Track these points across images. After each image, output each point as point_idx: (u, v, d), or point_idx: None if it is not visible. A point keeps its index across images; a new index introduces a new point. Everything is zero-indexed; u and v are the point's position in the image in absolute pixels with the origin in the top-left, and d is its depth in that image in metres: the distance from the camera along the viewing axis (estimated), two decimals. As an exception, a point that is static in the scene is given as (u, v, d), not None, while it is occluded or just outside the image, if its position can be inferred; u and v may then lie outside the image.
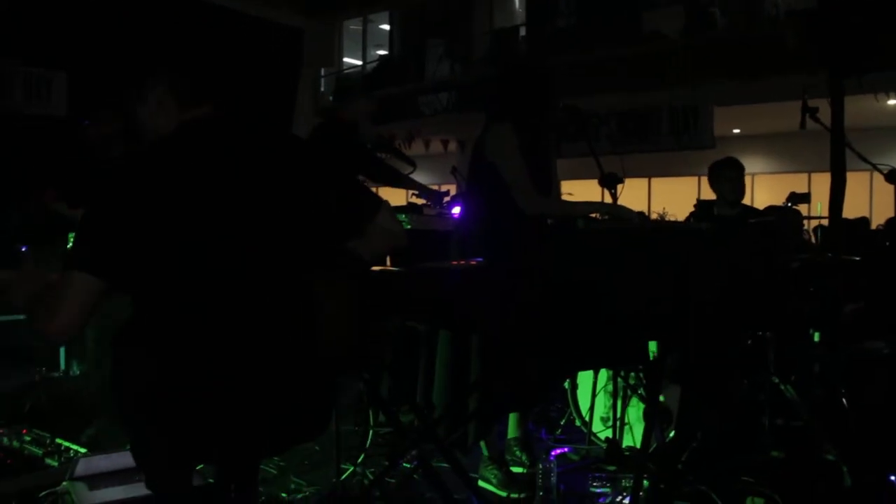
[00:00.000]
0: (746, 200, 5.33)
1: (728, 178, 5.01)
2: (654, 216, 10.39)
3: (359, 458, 3.57)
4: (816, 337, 3.93)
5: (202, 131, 2.10)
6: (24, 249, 5.39)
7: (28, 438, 3.60)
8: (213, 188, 2.00)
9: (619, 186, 3.79)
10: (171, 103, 2.14)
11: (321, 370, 2.10)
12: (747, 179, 5.28)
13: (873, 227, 9.11)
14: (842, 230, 5.20)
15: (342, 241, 2.19)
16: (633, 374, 3.83)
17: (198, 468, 2.62)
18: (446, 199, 5.64)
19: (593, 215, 3.48)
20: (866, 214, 10.81)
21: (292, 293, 2.05)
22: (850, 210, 5.79)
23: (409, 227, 4.48)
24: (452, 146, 16.01)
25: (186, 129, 2.10)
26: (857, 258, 4.04)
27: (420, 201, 5.48)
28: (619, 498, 3.28)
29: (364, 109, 4.42)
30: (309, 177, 2.15)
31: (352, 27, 19.91)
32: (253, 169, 2.06)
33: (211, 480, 2.62)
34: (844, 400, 3.70)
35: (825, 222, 5.43)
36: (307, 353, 2.04)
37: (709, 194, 5.18)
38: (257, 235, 2.02)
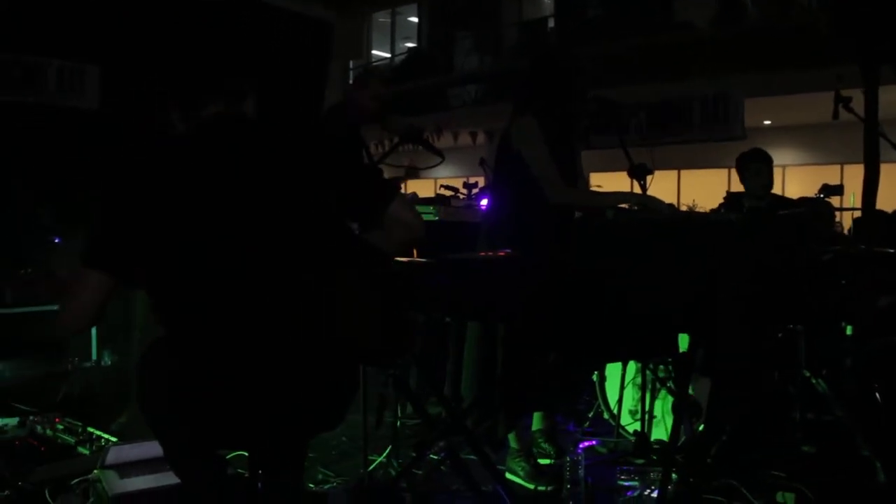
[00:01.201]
0: (777, 192, 5.27)
1: (754, 170, 4.93)
2: (683, 208, 10.30)
3: (386, 449, 3.58)
4: (848, 330, 3.87)
5: (210, 130, 2.12)
6: (57, 241, 5.46)
7: (61, 427, 3.66)
8: (219, 185, 2.03)
9: (649, 178, 3.76)
10: (183, 105, 2.19)
11: (339, 361, 2.11)
12: (778, 171, 5.21)
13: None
14: (877, 222, 5.13)
15: (360, 229, 2.20)
16: (661, 366, 3.81)
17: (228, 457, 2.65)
18: (475, 190, 5.65)
19: (623, 206, 3.45)
20: (901, 206, 10.63)
21: (306, 285, 2.06)
22: (884, 202, 5.70)
23: (436, 218, 4.49)
24: (481, 138, 15.97)
25: (197, 128, 2.14)
26: (892, 250, 3.98)
27: (448, 193, 5.49)
28: (648, 491, 3.25)
29: (375, 93, 4.26)
30: (316, 170, 2.15)
31: (380, 19, 19.94)
32: (258, 166, 2.08)
33: (240, 471, 2.64)
34: (878, 394, 3.65)
35: (859, 214, 5.35)
36: (322, 344, 2.06)
37: (739, 186, 5.12)
38: (266, 229, 2.04)
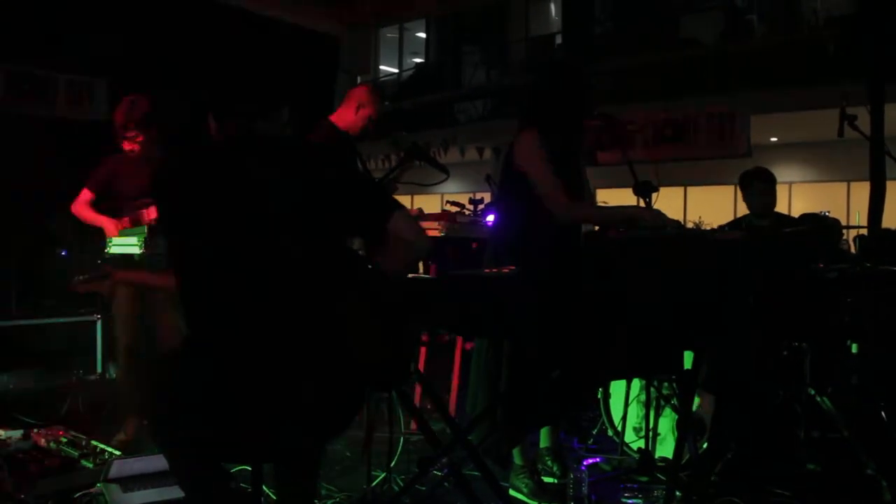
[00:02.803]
0: (783, 210, 5.26)
1: (756, 189, 4.93)
2: (689, 225, 10.29)
3: (389, 464, 3.57)
4: (854, 348, 3.86)
5: (222, 149, 2.16)
6: (63, 253, 5.48)
7: (64, 440, 3.66)
8: (228, 204, 2.06)
9: (654, 195, 3.76)
10: (196, 124, 2.23)
11: (341, 378, 2.12)
12: (784, 188, 5.22)
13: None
14: (882, 240, 5.11)
15: (366, 246, 2.22)
16: (666, 383, 3.79)
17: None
18: (481, 206, 5.64)
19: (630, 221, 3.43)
20: (908, 224, 10.59)
21: (310, 304, 2.08)
22: (891, 220, 5.70)
23: (442, 234, 4.49)
24: (487, 154, 15.99)
25: (209, 146, 2.18)
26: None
27: (454, 209, 5.49)
28: (651, 509, 3.25)
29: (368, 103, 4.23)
30: (320, 189, 2.17)
31: (388, 35, 20.01)
32: (265, 187, 2.10)
33: (243, 485, 2.65)
34: (883, 412, 3.64)
35: (865, 232, 5.34)
36: (325, 361, 2.07)
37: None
38: (272, 247, 2.06)
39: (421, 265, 4.84)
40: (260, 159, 2.15)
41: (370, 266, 2.23)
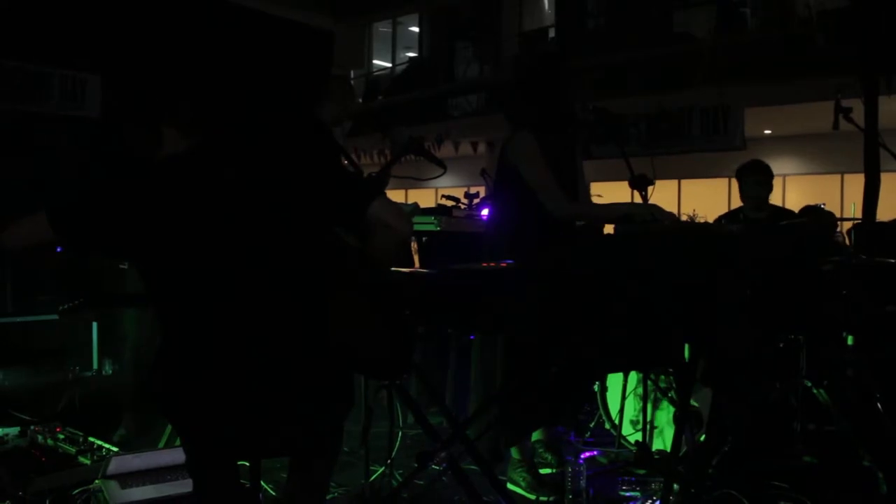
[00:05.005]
0: (777, 202, 5.28)
1: (752, 182, 4.96)
2: (684, 218, 10.29)
3: (387, 459, 3.57)
4: (850, 340, 3.88)
5: (208, 149, 2.16)
6: (59, 250, 5.44)
7: (62, 436, 3.65)
8: (217, 205, 2.06)
9: (650, 188, 3.76)
10: (176, 134, 2.22)
11: (336, 371, 2.12)
12: (778, 181, 5.22)
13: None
14: (876, 232, 5.13)
15: (349, 233, 2.22)
16: (663, 377, 3.80)
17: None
18: (476, 200, 5.65)
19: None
20: (901, 216, 10.60)
21: (302, 300, 2.08)
22: (885, 212, 5.72)
23: (437, 228, 4.49)
24: (482, 148, 15.99)
25: (193, 150, 2.18)
26: (892, 260, 3.98)
27: (449, 203, 5.49)
28: (649, 502, 3.25)
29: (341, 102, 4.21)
30: (304, 184, 2.17)
31: (381, 29, 19.97)
32: (253, 185, 2.10)
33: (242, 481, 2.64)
34: (879, 404, 3.65)
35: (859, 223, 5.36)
36: (321, 354, 2.07)
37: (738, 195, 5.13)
38: (262, 244, 2.06)
39: (417, 260, 4.84)
40: (232, 161, 2.14)
41: (359, 256, 2.23)
